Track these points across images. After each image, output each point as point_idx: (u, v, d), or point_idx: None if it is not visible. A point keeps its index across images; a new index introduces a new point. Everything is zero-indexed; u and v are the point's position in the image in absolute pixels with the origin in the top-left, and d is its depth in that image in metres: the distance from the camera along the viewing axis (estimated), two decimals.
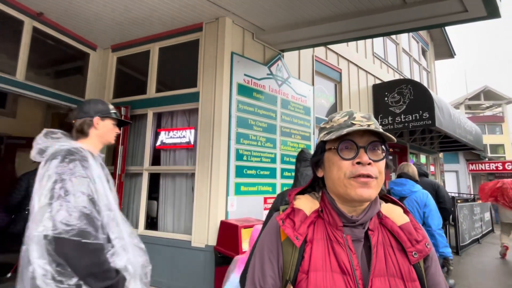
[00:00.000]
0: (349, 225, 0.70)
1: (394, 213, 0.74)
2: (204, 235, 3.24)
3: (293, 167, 4.33)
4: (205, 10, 3.43)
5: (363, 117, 0.71)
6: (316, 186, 0.81)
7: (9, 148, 5.20)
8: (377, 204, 0.73)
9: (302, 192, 0.81)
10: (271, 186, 3.77)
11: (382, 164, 0.69)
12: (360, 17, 3.21)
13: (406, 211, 0.75)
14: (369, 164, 0.66)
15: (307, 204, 0.75)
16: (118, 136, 4.46)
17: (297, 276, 0.67)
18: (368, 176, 0.66)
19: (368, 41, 6.65)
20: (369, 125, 0.69)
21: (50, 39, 3.85)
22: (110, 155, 4.33)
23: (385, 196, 0.80)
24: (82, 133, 1.37)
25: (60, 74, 4.34)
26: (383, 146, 0.70)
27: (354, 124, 0.69)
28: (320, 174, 0.76)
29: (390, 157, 7.50)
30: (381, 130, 0.69)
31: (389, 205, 0.77)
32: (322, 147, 0.75)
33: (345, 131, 0.67)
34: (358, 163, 0.67)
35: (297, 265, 0.68)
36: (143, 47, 4.16)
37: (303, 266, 0.68)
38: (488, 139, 24.10)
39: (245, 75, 3.62)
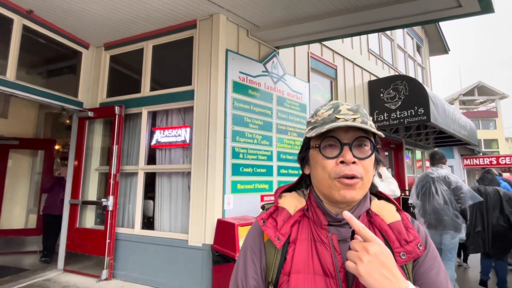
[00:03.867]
0: (335, 224, 0.66)
1: (385, 211, 0.69)
2: (201, 234, 3.22)
3: (289, 164, 4.33)
4: (199, 7, 3.39)
5: (350, 109, 0.65)
6: (303, 183, 0.77)
7: (1, 149, 5.11)
8: (366, 202, 0.68)
9: (290, 190, 0.77)
10: (267, 184, 3.76)
11: (369, 161, 0.64)
12: (355, 13, 3.20)
13: (399, 209, 0.70)
14: (354, 163, 0.62)
15: (292, 202, 0.72)
16: (112, 136, 4.40)
17: (279, 278, 0.64)
18: (353, 176, 0.61)
19: (363, 37, 6.65)
20: (354, 119, 0.63)
21: (41, 38, 3.78)
22: (105, 154, 4.28)
23: (379, 192, 0.75)
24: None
25: (52, 73, 4.27)
26: (370, 142, 0.64)
27: (338, 118, 0.64)
28: (306, 171, 0.73)
29: (386, 154, 7.53)
30: (368, 125, 0.63)
31: (382, 202, 0.72)
32: (307, 143, 0.71)
33: (325, 127, 0.62)
34: (342, 162, 0.62)
35: (279, 266, 0.65)
36: (137, 45, 4.11)
37: (285, 268, 0.64)
38: (482, 134, 24.37)
39: (240, 72, 3.60)
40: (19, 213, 5.22)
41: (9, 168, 5.16)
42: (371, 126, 0.64)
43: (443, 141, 8.62)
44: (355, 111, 0.65)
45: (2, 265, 4.27)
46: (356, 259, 0.55)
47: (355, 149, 0.63)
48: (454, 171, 14.89)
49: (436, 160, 3.30)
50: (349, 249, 0.59)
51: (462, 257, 4.71)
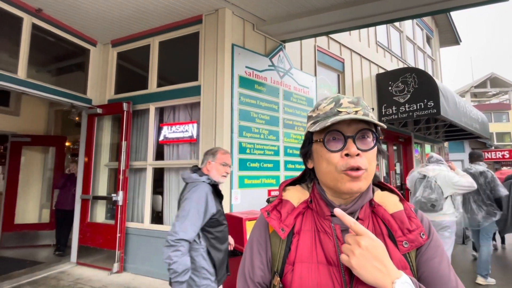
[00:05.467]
0: None
1: (388, 201, 0.70)
2: None
3: (296, 159, 4.32)
4: (204, 2, 3.37)
5: (351, 102, 0.66)
6: (307, 177, 0.79)
7: (14, 146, 5.25)
8: (368, 193, 0.69)
9: (294, 184, 0.79)
10: (274, 179, 3.76)
11: (372, 153, 0.65)
12: (363, 4, 3.13)
13: (402, 200, 0.71)
14: (358, 155, 0.63)
15: (295, 195, 0.74)
16: (121, 132, 4.44)
17: (284, 268, 0.67)
18: (358, 168, 0.63)
19: (371, 29, 6.52)
20: (356, 112, 0.64)
21: (50, 36, 3.84)
22: (114, 150, 4.35)
23: (382, 183, 0.76)
24: None
25: (61, 70, 4.33)
26: (373, 134, 0.65)
27: (340, 112, 0.65)
28: (310, 165, 0.74)
29: (395, 148, 7.43)
30: (369, 117, 0.64)
31: (385, 193, 0.73)
32: (309, 137, 0.71)
33: (329, 121, 0.63)
34: (347, 154, 0.63)
35: (284, 257, 0.67)
36: (143, 41, 4.13)
37: (290, 257, 0.67)
38: (495, 127, 23.77)
39: (246, 67, 3.58)
40: (32, 208, 5.37)
41: (22, 165, 5.30)
42: (372, 118, 0.65)
43: (453, 135, 8.45)
44: (356, 103, 0.66)
45: (19, 258, 4.42)
46: (349, 252, 0.57)
47: (358, 141, 0.64)
48: (464, 165, 14.62)
49: (474, 159, 4.05)
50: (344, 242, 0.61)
51: (500, 240, 5.53)
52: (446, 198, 3.10)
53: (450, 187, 3.08)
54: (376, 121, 0.64)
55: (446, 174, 3.15)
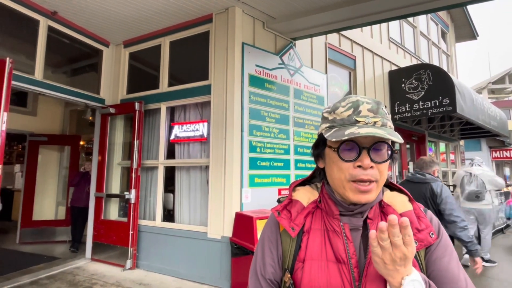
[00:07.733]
0: (347, 214, 0.69)
1: (397, 201, 0.72)
2: (220, 226, 3.28)
3: (306, 158, 4.28)
4: (215, 1, 3.37)
5: (370, 110, 0.65)
6: (317, 175, 0.80)
7: (32, 145, 5.43)
8: (379, 194, 0.70)
9: (304, 184, 0.81)
10: (285, 178, 3.74)
11: (385, 164, 0.65)
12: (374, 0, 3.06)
13: (411, 200, 0.72)
14: (371, 167, 0.63)
15: (305, 195, 0.76)
16: (133, 131, 4.53)
17: (294, 265, 0.69)
18: (368, 180, 0.63)
19: (384, 25, 6.38)
20: (375, 123, 0.63)
21: (65, 37, 3.93)
22: (126, 149, 4.43)
23: (391, 184, 0.77)
24: None
25: (75, 71, 4.45)
26: (388, 145, 0.65)
27: (358, 121, 0.64)
28: (321, 165, 0.74)
29: (408, 146, 7.26)
30: (387, 126, 0.64)
31: (394, 193, 0.74)
32: (323, 139, 0.70)
33: (345, 134, 0.62)
34: (359, 166, 0.63)
35: (295, 254, 0.70)
36: (154, 41, 4.18)
37: (300, 255, 0.69)
38: None
39: (256, 65, 3.57)
40: (49, 205, 5.55)
41: (39, 163, 5.47)
42: (390, 127, 0.65)
43: (470, 133, 8.18)
44: (375, 112, 0.65)
45: (37, 253, 4.58)
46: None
47: (372, 152, 0.64)
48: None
49: None
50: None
51: None
52: (486, 192, 3.98)
53: (492, 184, 3.99)
54: (393, 138, 0.62)
55: (489, 174, 4.06)
